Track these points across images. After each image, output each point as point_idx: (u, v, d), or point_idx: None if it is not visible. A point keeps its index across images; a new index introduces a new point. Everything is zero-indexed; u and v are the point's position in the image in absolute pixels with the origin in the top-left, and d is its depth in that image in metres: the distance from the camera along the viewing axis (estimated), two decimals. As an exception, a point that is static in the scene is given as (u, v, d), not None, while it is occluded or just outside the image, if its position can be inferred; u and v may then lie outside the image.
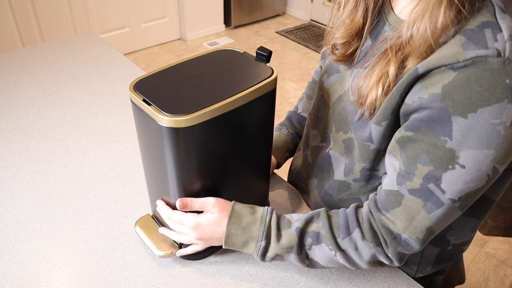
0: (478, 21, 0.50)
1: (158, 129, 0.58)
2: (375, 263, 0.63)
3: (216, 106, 0.57)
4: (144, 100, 0.59)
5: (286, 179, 0.95)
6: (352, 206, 0.65)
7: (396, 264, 0.62)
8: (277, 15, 4.15)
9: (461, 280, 0.88)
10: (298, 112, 0.96)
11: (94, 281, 0.71)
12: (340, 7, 0.69)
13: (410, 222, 0.57)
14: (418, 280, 0.78)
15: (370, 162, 0.65)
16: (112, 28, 3.17)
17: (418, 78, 0.53)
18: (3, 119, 1.12)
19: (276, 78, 0.64)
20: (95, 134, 1.07)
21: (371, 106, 0.60)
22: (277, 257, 0.65)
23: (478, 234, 1.82)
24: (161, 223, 0.77)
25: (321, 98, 0.77)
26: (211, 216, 0.65)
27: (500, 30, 0.48)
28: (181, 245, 0.74)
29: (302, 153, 0.87)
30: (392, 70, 0.56)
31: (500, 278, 1.70)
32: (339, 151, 0.72)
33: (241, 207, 0.67)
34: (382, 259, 0.61)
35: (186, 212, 0.67)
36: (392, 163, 0.59)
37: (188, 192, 0.66)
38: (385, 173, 0.66)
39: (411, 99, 0.54)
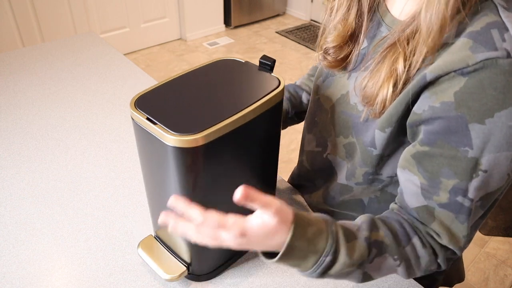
0: (483, 22, 0.49)
1: (164, 149, 0.54)
2: (424, 271, 0.60)
3: (226, 123, 0.54)
4: (148, 119, 0.55)
5: (286, 179, 0.95)
6: (391, 211, 0.61)
7: (443, 268, 0.60)
8: (277, 15, 4.14)
9: (461, 278, 0.88)
10: (295, 83, 0.93)
11: (94, 281, 0.71)
12: (332, 11, 0.68)
13: (450, 236, 0.56)
14: (419, 279, 0.78)
15: (373, 167, 0.65)
16: (112, 28, 3.17)
17: (426, 85, 0.52)
18: (3, 119, 1.12)
19: (283, 89, 0.62)
20: (95, 134, 1.07)
21: (381, 105, 0.58)
22: (336, 275, 0.54)
23: (478, 234, 1.82)
24: (165, 244, 0.74)
25: (317, 102, 0.76)
26: (268, 224, 0.49)
27: (507, 30, 0.47)
28: (188, 267, 0.70)
29: (299, 158, 0.87)
30: (401, 66, 0.55)
31: (500, 278, 1.70)
32: (340, 155, 0.71)
33: (303, 213, 0.53)
34: (433, 266, 0.59)
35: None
36: (409, 179, 0.57)
37: None
38: (388, 177, 0.66)
39: (421, 108, 0.53)
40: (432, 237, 0.58)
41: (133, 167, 0.97)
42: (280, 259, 0.51)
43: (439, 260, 0.58)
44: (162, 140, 0.54)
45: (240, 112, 0.56)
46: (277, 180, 0.94)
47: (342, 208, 0.77)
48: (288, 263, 0.52)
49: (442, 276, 0.82)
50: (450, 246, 0.56)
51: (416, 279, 0.76)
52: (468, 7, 0.50)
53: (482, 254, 1.80)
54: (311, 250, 0.51)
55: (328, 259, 0.52)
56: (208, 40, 3.62)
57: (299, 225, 0.51)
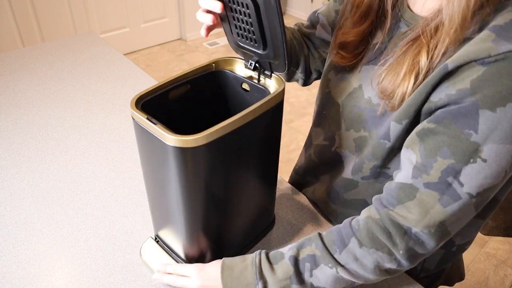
0: (507, 18, 0.50)
1: (164, 149, 0.54)
2: (382, 271, 0.59)
3: (226, 123, 0.54)
4: (148, 119, 0.55)
5: (286, 179, 0.95)
6: (346, 220, 0.62)
7: (406, 265, 0.57)
8: (277, 15, 4.14)
9: (461, 277, 0.88)
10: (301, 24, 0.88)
11: (94, 281, 0.71)
12: (352, 7, 0.68)
13: (424, 215, 0.54)
14: (419, 279, 0.78)
15: (383, 160, 0.64)
16: (112, 28, 3.17)
17: (447, 75, 0.52)
18: (3, 119, 1.12)
19: (284, 89, 0.61)
20: (95, 134, 1.07)
21: (401, 97, 0.58)
22: None
23: (478, 234, 1.82)
24: (165, 244, 0.75)
25: (327, 95, 0.76)
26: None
27: None
28: None
29: (306, 152, 0.86)
30: (424, 58, 0.55)
31: (500, 278, 1.70)
32: (349, 149, 0.71)
33: (230, 259, 0.66)
34: (387, 264, 0.57)
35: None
36: (409, 157, 0.57)
37: (195, 213, 0.62)
38: (395, 171, 0.66)
39: (437, 97, 0.53)
40: (394, 221, 0.56)
41: (133, 167, 0.97)
42: None
43: (399, 251, 0.56)
44: (162, 140, 0.54)
45: (240, 113, 0.56)
46: (277, 180, 0.94)
47: (345, 206, 0.77)
48: None
49: (442, 276, 0.82)
50: (418, 227, 0.54)
51: (416, 278, 0.76)
52: (492, 3, 0.51)
53: (482, 254, 1.80)
54: (245, 284, 0.62)
55: (260, 284, 0.61)
56: (208, 40, 3.62)
57: (225, 269, 0.64)
